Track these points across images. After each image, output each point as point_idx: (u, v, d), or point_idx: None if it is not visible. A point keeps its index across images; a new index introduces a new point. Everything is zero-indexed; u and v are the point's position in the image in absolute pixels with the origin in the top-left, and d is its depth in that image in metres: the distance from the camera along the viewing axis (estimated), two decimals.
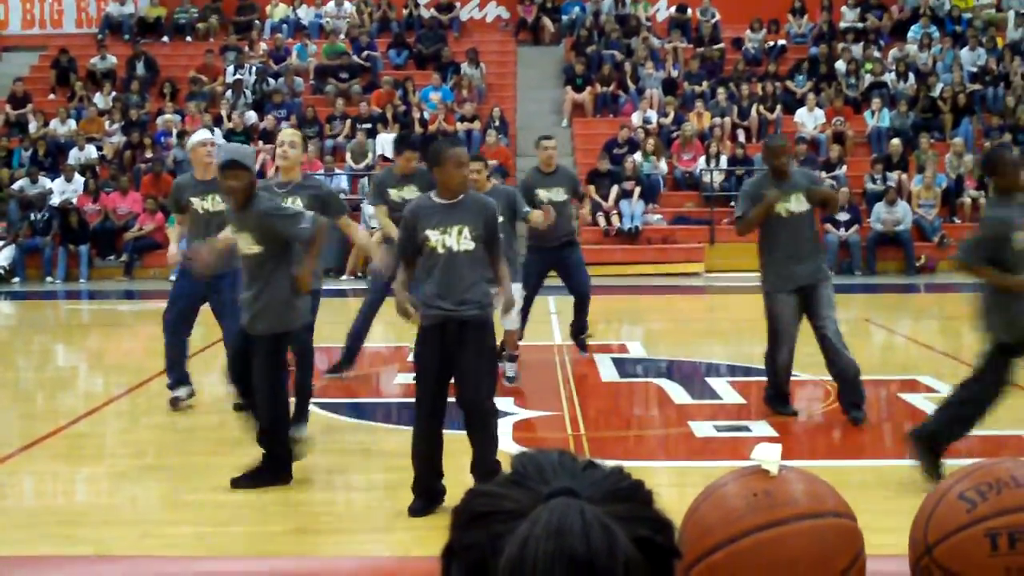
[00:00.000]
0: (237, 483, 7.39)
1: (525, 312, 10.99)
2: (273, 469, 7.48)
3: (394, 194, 10.46)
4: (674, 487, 7.61)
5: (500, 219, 9.68)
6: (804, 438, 8.99)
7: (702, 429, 9.03)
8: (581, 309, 11.71)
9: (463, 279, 6.75)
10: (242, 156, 7.34)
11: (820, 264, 9.22)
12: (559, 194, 11.23)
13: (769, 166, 9.18)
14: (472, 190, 9.69)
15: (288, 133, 9.17)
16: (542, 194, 11.14)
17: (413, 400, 10.42)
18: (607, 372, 11.52)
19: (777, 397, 9.43)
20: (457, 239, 6.76)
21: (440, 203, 6.82)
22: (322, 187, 9.29)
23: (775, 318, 9.13)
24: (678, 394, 10.41)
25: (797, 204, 9.00)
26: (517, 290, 10.12)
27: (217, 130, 24.30)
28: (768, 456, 2.62)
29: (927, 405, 9.69)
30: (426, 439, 6.88)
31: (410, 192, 10.26)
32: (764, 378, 11.32)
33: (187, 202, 9.32)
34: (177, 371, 9.80)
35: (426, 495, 6.87)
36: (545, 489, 1.41)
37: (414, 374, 7.18)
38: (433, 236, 6.76)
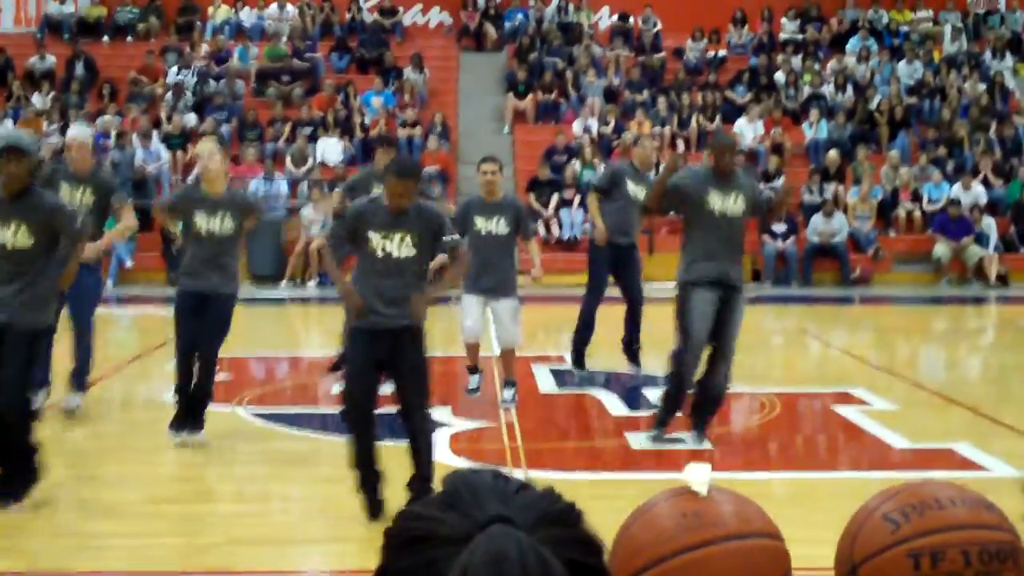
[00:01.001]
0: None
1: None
2: (25, 471, 7.09)
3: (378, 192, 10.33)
4: (610, 499, 7.65)
5: (506, 231, 9.76)
6: (738, 450, 9.07)
7: (638, 441, 9.08)
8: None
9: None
10: (25, 142, 7.18)
11: (739, 272, 8.85)
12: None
13: (714, 163, 8.73)
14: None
15: (208, 147, 9.07)
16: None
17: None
18: (545, 383, 11.56)
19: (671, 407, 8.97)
20: (399, 246, 6.85)
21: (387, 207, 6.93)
22: (248, 198, 9.27)
23: (685, 314, 8.75)
24: (615, 405, 10.47)
25: (733, 205, 8.64)
26: (509, 305, 10.04)
27: (155, 132, 24.15)
28: (698, 477, 2.66)
29: (860, 418, 9.82)
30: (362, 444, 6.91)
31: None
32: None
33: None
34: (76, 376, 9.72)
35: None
36: (480, 515, 1.41)
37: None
38: (375, 238, 6.87)
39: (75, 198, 9.26)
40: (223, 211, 8.69)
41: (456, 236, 7.14)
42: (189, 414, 8.75)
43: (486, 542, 1.38)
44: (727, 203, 8.59)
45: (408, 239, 6.85)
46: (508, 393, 10.28)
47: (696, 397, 8.79)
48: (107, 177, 9.62)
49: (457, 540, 1.40)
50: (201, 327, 8.66)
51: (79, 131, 9.77)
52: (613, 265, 11.38)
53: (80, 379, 9.71)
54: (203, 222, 8.71)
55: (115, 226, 9.47)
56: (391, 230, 6.84)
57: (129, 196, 9.89)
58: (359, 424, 6.92)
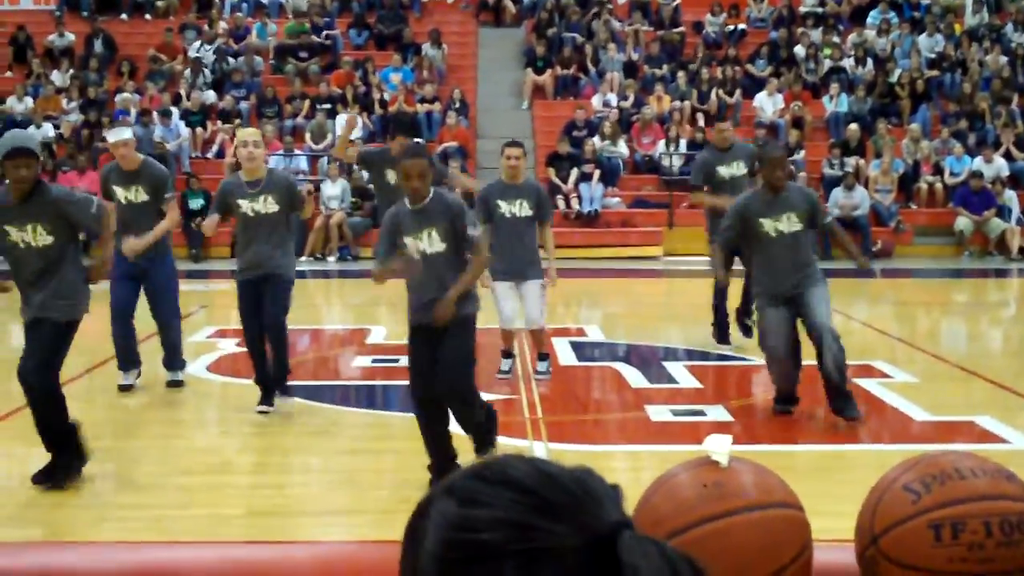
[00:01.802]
0: (38, 479, 7.08)
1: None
2: (69, 458, 7.14)
3: (391, 176, 10.31)
4: (630, 471, 7.67)
5: (529, 212, 9.79)
6: (758, 422, 9.06)
7: (659, 413, 9.09)
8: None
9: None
10: (32, 143, 7.12)
11: (808, 273, 8.66)
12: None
13: (764, 179, 8.69)
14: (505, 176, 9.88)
15: (250, 132, 9.22)
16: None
17: (373, 382, 10.50)
18: (565, 356, 11.57)
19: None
20: (429, 242, 6.89)
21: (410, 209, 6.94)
22: (288, 181, 9.36)
23: (763, 334, 8.76)
24: (635, 378, 10.47)
25: (788, 224, 8.59)
26: (537, 285, 10.08)
27: (174, 109, 24.19)
28: (719, 447, 2.66)
29: (882, 391, 9.81)
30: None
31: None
32: (721, 362, 11.46)
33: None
34: (124, 356, 9.88)
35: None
36: (595, 522, 1.24)
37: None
38: (410, 243, 6.91)
39: (130, 197, 9.47)
40: (266, 194, 8.83)
41: (477, 232, 7.13)
42: (273, 388, 9.06)
43: (640, 555, 1.23)
44: (780, 224, 8.61)
45: (435, 233, 6.88)
46: (542, 365, 10.41)
47: (825, 388, 8.67)
48: (158, 171, 9.69)
49: (567, 554, 1.23)
50: (262, 308, 8.90)
51: (121, 131, 9.83)
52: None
53: (173, 360, 10.05)
54: (247, 206, 8.85)
55: (161, 223, 9.56)
56: (419, 230, 6.88)
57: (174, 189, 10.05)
58: (431, 418, 6.98)
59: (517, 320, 10.23)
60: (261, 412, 8.95)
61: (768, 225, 8.60)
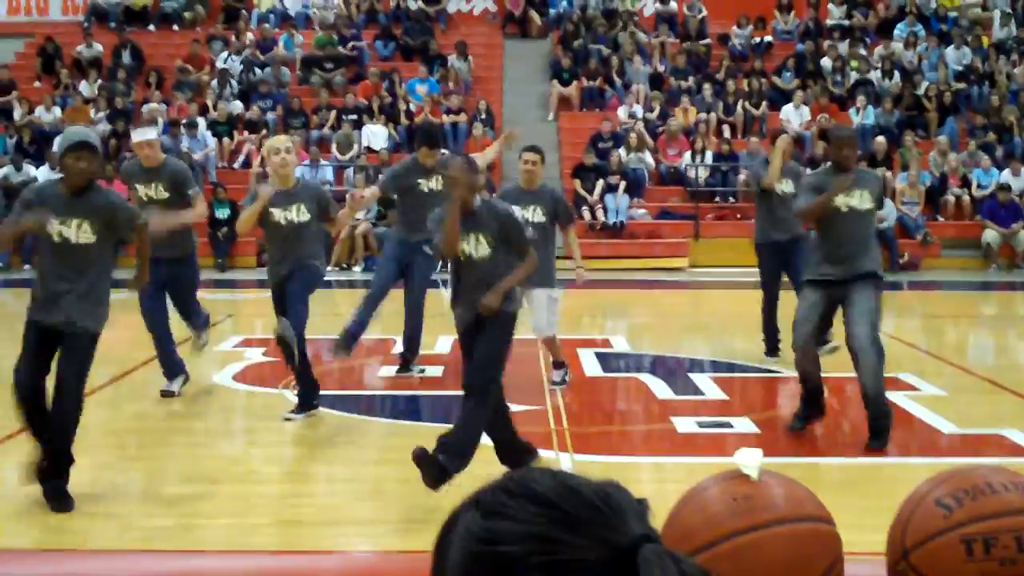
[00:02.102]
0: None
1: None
2: (61, 468, 6.96)
3: (423, 185, 10.39)
4: (656, 483, 7.65)
5: (543, 219, 9.80)
6: (784, 435, 9.02)
7: (684, 425, 9.06)
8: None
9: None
10: (94, 139, 7.16)
11: (866, 264, 8.42)
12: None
13: (832, 159, 8.56)
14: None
15: (282, 140, 9.22)
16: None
17: (399, 392, 10.50)
18: (590, 367, 11.56)
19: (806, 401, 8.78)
20: (476, 247, 6.97)
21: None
22: (319, 189, 9.40)
23: (797, 316, 8.62)
24: (661, 390, 10.45)
25: (860, 201, 8.46)
26: (546, 294, 10.05)
27: (201, 119, 24.29)
28: (749, 461, 2.65)
29: (909, 404, 9.76)
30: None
31: (437, 183, 10.27)
32: (747, 374, 11.42)
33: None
34: (166, 362, 9.92)
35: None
36: (618, 536, 1.25)
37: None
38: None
39: (150, 193, 9.55)
40: (297, 202, 8.83)
41: (526, 235, 7.19)
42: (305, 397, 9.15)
43: (658, 569, 1.23)
44: (851, 200, 8.44)
45: (483, 239, 6.94)
46: (557, 375, 10.39)
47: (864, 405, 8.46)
48: (179, 167, 9.78)
49: (590, 568, 1.24)
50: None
51: (146, 131, 9.91)
52: (782, 261, 11.49)
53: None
54: (280, 214, 8.85)
55: (187, 211, 9.64)
56: (466, 234, 6.96)
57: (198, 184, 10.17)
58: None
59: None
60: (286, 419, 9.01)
61: (840, 200, 8.40)
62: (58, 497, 6.80)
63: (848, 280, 8.35)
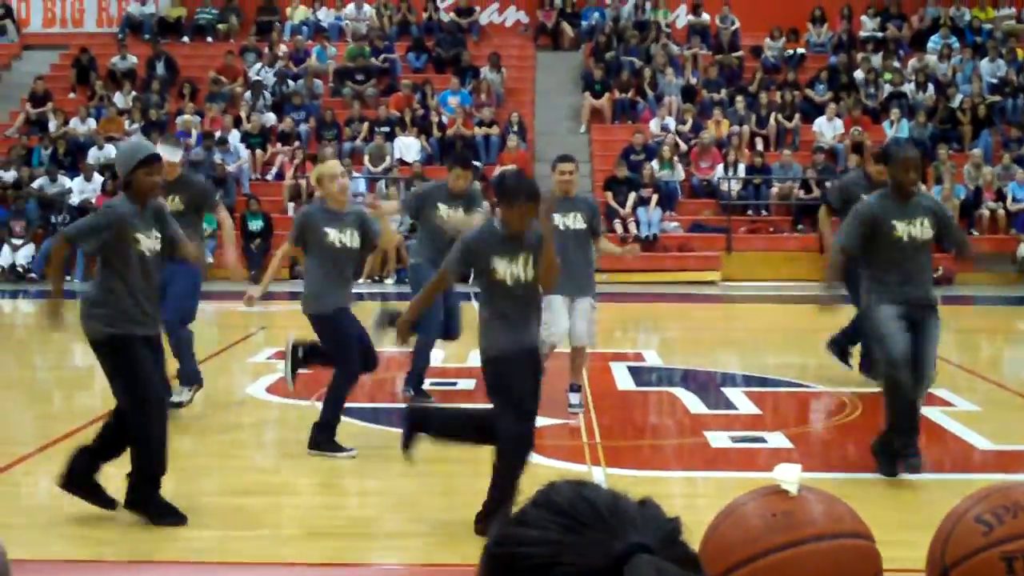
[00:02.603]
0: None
1: None
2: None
3: (443, 210, 10.11)
4: (688, 497, 7.63)
5: (582, 226, 9.69)
6: (820, 450, 8.99)
7: (717, 439, 9.03)
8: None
9: None
10: (159, 152, 7.20)
11: (932, 295, 7.98)
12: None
13: (893, 182, 7.87)
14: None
15: (337, 165, 9.00)
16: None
17: (431, 405, 10.47)
18: (623, 380, 11.54)
19: (890, 447, 7.93)
20: (524, 268, 6.68)
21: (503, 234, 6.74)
22: (365, 216, 9.25)
23: (882, 335, 7.81)
24: (693, 404, 10.42)
25: (921, 230, 7.83)
26: (588, 303, 9.79)
27: (235, 131, 24.40)
28: (788, 476, 2.64)
29: (944, 419, 9.70)
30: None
31: (457, 213, 10.09)
32: (779, 388, 11.37)
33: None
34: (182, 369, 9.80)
35: None
36: (616, 543, 1.33)
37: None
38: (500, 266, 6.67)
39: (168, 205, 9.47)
40: (351, 227, 8.63)
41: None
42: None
43: None
44: (913, 229, 7.82)
45: (531, 260, 6.68)
46: (574, 398, 9.98)
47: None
48: (196, 182, 9.76)
49: (591, 570, 1.32)
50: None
51: (175, 151, 9.91)
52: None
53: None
54: (335, 236, 8.58)
55: (226, 231, 9.71)
56: (514, 255, 6.67)
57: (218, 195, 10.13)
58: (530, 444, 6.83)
59: (562, 342, 9.91)
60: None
61: (901, 229, 7.79)
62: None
63: (918, 304, 7.93)
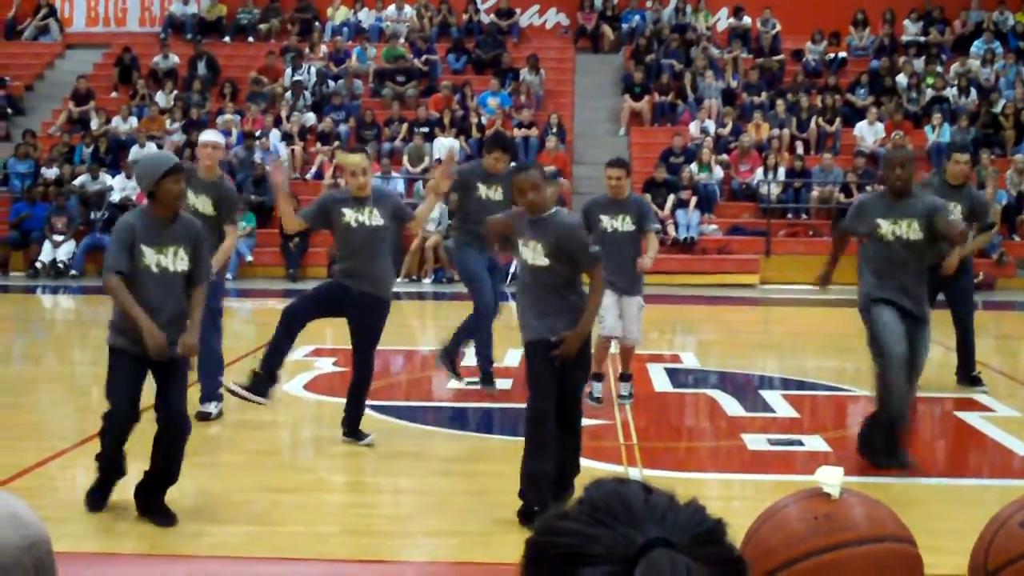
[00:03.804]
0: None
1: None
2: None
3: (483, 191, 10.39)
4: (725, 500, 7.58)
5: (631, 228, 9.77)
6: (855, 454, 8.90)
7: (755, 442, 8.98)
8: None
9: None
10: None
11: (925, 303, 8.03)
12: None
13: (886, 180, 8.03)
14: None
15: (359, 161, 8.73)
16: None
17: (467, 404, 10.48)
18: (660, 382, 11.50)
19: (884, 439, 8.06)
20: (533, 254, 6.89)
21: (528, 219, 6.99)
22: (393, 196, 9.22)
23: (878, 331, 7.87)
24: (731, 406, 10.37)
25: (908, 231, 7.87)
26: (637, 303, 10.01)
27: (276, 130, 24.49)
28: (830, 479, 2.61)
29: (984, 425, 9.62)
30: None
31: (495, 192, 10.30)
32: (817, 392, 11.31)
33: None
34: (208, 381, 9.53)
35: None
36: (639, 537, 1.37)
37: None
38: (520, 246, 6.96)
39: (197, 205, 9.25)
40: (371, 207, 8.55)
41: (596, 249, 7.12)
42: None
43: (653, 570, 1.35)
44: (898, 228, 7.88)
45: (540, 247, 6.86)
46: (625, 388, 10.34)
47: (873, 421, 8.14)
48: (227, 189, 9.48)
49: (612, 560, 1.36)
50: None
51: (217, 133, 9.82)
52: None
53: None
54: (351, 215, 8.53)
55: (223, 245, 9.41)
56: (527, 240, 6.92)
57: (246, 205, 9.94)
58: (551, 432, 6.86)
59: (618, 331, 10.01)
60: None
61: (885, 227, 7.90)
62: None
63: (907, 312, 8.03)
